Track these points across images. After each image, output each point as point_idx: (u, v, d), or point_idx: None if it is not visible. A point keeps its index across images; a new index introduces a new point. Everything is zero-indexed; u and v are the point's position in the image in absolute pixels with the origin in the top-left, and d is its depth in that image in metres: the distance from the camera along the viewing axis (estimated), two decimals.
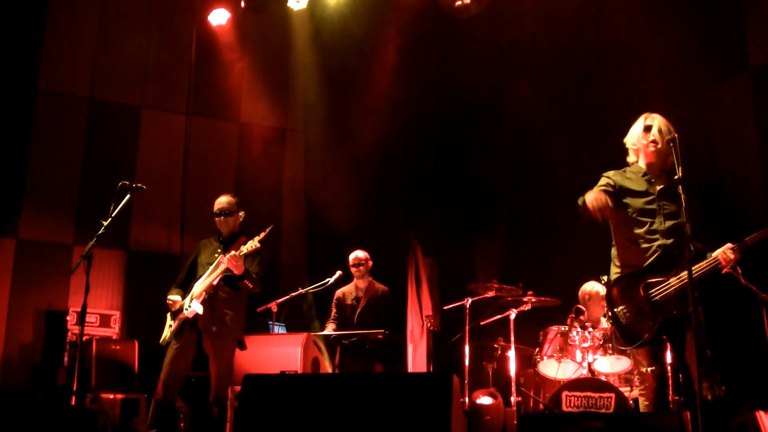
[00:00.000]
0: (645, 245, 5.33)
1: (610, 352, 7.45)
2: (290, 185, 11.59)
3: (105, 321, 9.68)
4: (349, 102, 11.20)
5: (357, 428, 3.91)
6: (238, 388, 7.34)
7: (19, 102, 10.42)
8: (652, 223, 5.37)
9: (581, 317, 8.05)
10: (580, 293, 8.18)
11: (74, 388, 7.15)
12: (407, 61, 10.78)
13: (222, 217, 7.06)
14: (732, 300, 7.36)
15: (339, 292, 8.67)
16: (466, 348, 8.22)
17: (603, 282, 7.64)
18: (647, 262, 5.30)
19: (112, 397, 8.56)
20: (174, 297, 6.91)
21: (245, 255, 6.64)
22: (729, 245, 5.19)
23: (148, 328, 8.33)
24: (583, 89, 9.51)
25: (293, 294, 8.42)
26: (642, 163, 5.57)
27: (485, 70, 10.36)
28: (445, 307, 8.57)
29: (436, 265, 9.24)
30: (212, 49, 11.34)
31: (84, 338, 7.76)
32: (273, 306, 8.34)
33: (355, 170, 10.81)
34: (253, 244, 6.59)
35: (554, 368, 7.66)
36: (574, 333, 7.65)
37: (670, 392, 7.26)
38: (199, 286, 6.80)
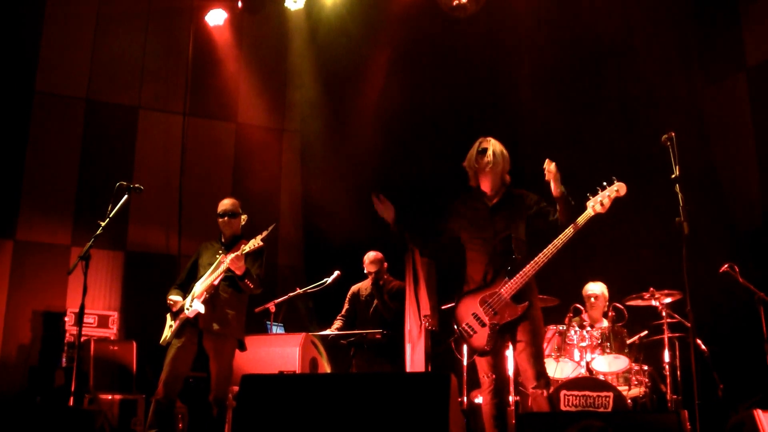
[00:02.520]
0: (482, 260, 5.73)
1: (608, 351, 7.45)
2: (287, 186, 11.59)
3: (103, 322, 9.68)
4: (346, 102, 11.19)
5: (355, 428, 3.91)
6: (236, 388, 7.35)
7: (16, 103, 10.43)
8: (486, 239, 5.74)
9: (579, 316, 8.05)
10: (582, 292, 8.19)
11: (72, 389, 7.14)
12: (404, 61, 10.77)
13: (225, 218, 7.07)
14: (730, 299, 7.39)
15: (354, 288, 8.76)
16: (464, 347, 8.21)
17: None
18: (483, 277, 5.72)
19: (110, 397, 8.56)
20: (175, 297, 6.91)
21: (247, 254, 6.65)
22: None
23: (146, 329, 8.33)
24: (582, 90, 9.51)
25: (291, 294, 8.42)
26: (479, 184, 5.88)
27: (483, 70, 10.36)
28: (443, 307, 8.55)
29: (434, 265, 9.21)
30: (209, 49, 11.35)
31: (82, 339, 7.75)
32: (271, 306, 8.34)
33: (353, 170, 10.80)
34: (255, 242, 6.61)
35: (552, 367, 7.65)
36: (572, 332, 7.66)
37: (668, 391, 7.28)
38: (200, 286, 6.80)
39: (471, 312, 5.69)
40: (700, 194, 7.21)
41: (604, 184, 5.52)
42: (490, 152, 5.77)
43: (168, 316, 6.99)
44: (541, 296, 8.05)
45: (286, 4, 10.84)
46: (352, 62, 11.11)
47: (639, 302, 7.73)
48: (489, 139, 5.88)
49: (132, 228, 10.67)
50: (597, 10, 9.40)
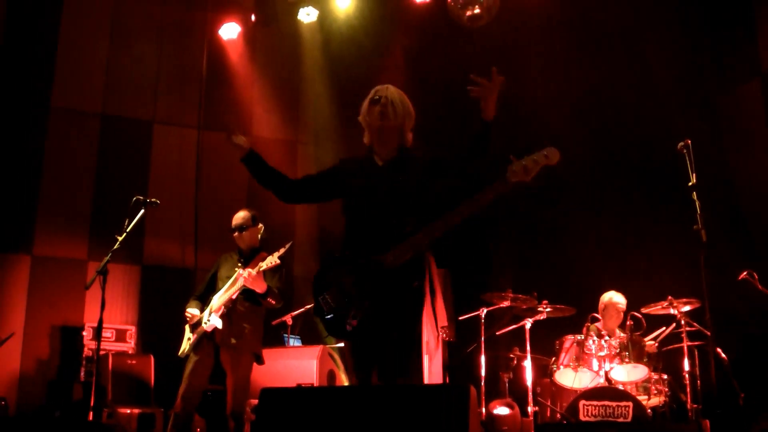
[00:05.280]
0: (363, 226, 4.78)
1: (626, 360, 7.42)
2: None
3: (121, 336, 9.70)
4: (359, 114, 11.19)
5: None
6: (254, 401, 7.36)
7: (32, 119, 10.49)
8: (371, 202, 4.78)
9: (597, 326, 8.03)
10: (601, 301, 8.18)
11: (91, 404, 7.16)
12: (417, 72, 10.77)
13: (237, 233, 7.09)
14: (749, 307, 7.35)
15: None
16: (482, 358, 8.21)
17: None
18: (360, 243, 4.73)
19: (128, 411, 8.56)
20: (192, 310, 6.93)
21: (264, 271, 6.62)
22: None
23: (164, 343, 8.34)
24: (595, 96, 9.49)
25: (308, 306, 8.41)
26: (370, 140, 5.00)
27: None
28: (460, 318, 8.56)
29: (450, 276, 9.21)
30: (223, 63, 11.38)
31: (100, 353, 7.77)
32: (288, 319, 8.36)
33: None
34: (272, 260, 6.57)
35: (571, 377, 7.63)
36: (590, 342, 7.63)
37: (688, 400, 7.24)
38: (218, 300, 6.81)
39: (336, 281, 4.68)
40: (716, 201, 7.17)
41: (533, 147, 4.66)
42: (385, 101, 4.86)
43: (186, 328, 7.00)
44: (557, 306, 8.09)
45: (299, 17, 10.90)
46: (364, 73, 11.12)
47: (657, 311, 7.71)
48: (387, 86, 4.97)
49: (148, 242, 10.68)
50: (608, 16, 9.40)
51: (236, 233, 7.09)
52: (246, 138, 5.16)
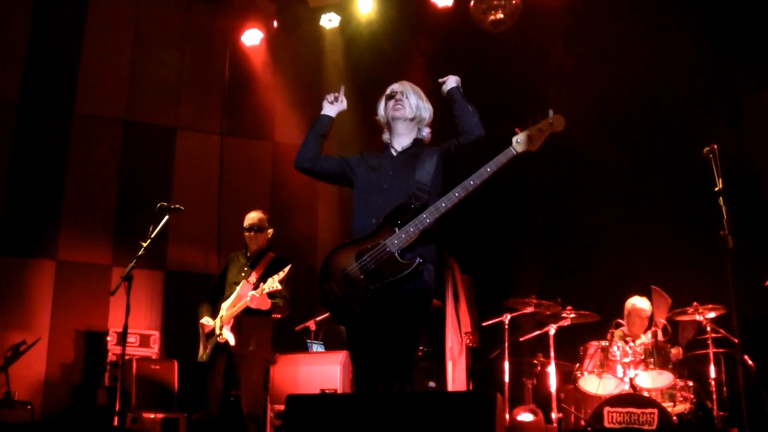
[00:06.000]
0: (369, 209, 4.80)
1: (651, 367, 7.37)
2: (325, 202, 11.59)
3: (144, 341, 9.73)
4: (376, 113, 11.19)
5: None
6: (278, 407, 7.39)
7: (56, 125, 10.55)
8: (380, 186, 4.83)
9: (622, 331, 7.98)
10: (626, 307, 8.13)
11: (116, 409, 7.21)
12: (438, 77, 10.74)
13: (252, 233, 7.29)
14: None
15: None
16: (506, 364, 8.18)
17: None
18: (367, 226, 4.75)
19: (152, 416, 8.59)
20: (206, 320, 7.15)
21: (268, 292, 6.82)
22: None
23: (187, 348, 8.36)
24: (619, 100, 9.45)
25: None
26: (391, 137, 5.08)
27: (518, 85, 10.32)
28: (483, 324, 8.53)
29: (473, 282, 9.19)
30: (246, 69, 11.40)
31: (125, 358, 7.82)
32: (311, 324, 8.36)
33: None
34: (273, 284, 6.75)
35: (595, 384, 7.59)
36: (615, 348, 7.59)
37: (714, 407, 7.18)
38: (227, 313, 7.02)
39: (342, 268, 4.64)
40: (743, 207, 7.12)
41: (538, 116, 4.68)
42: (399, 95, 5.01)
43: (201, 332, 7.24)
44: (582, 312, 8.05)
45: (321, 23, 10.91)
46: (386, 79, 11.09)
47: (683, 317, 7.66)
48: (402, 81, 5.13)
49: (171, 247, 10.71)
50: (631, 18, 9.36)
51: (251, 233, 7.29)
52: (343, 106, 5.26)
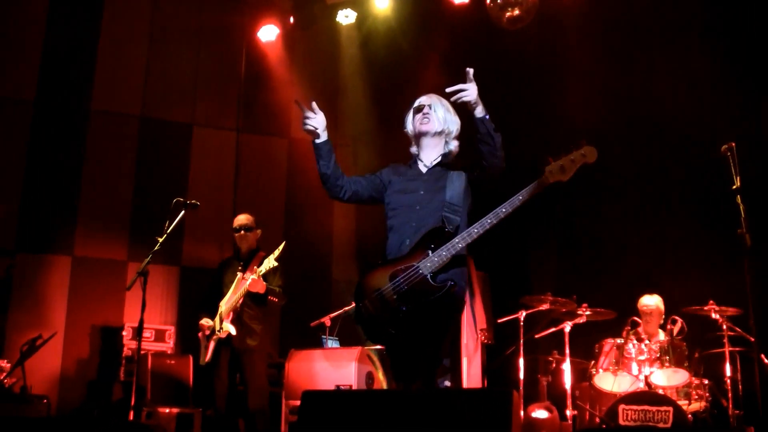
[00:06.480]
0: (403, 229, 4.86)
1: (666, 365, 7.35)
2: None
3: (160, 336, 9.76)
4: (398, 116, 11.18)
5: None
6: (294, 402, 7.42)
7: (73, 122, 10.61)
8: (411, 204, 4.88)
9: (637, 329, 7.96)
10: (638, 305, 8.11)
11: (131, 403, 7.28)
12: (454, 74, 10.73)
13: (242, 232, 7.56)
14: None
15: None
16: (521, 361, 8.17)
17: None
18: (401, 247, 4.81)
19: (167, 411, 8.61)
20: (205, 322, 7.37)
21: (265, 274, 7.00)
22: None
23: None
24: (636, 97, 9.41)
25: (346, 308, 8.43)
26: (419, 149, 5.07)
27: (534, 81, 10.30)
28: (499, 320, 8.52)
29: (487, 279, 9.17)
30: (262, 65, 11.42)
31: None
32: (326, 320, 8.38)
33: None
34: (269, 263, 6.91)
35: (610, 381, 7.57)
36: (630, 346, 7.57)
37: (730, 406, 7.16)
38: (226, 307, 7.23)
39: (376, 287, 4.72)
40: (761, 205, 7.08)
41: (570, 147, 4.63)
42: (427, 109, 4.99)
43: (201, 337, 7.45)
44: (598, 309, 8.03)
45: (337, 19, 10.93)
46: (403, 75, 11.12)
47: (699, 315, 7.63)
48: (431, 94, 5.09)
49: (187, 243, 10.76)
50: (648, 15, 9.32)
51: (242, 232, 7.56)
52: (322, 119, 5.08)
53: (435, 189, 4.86)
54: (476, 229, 4.58)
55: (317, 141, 5.04)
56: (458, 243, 4.59)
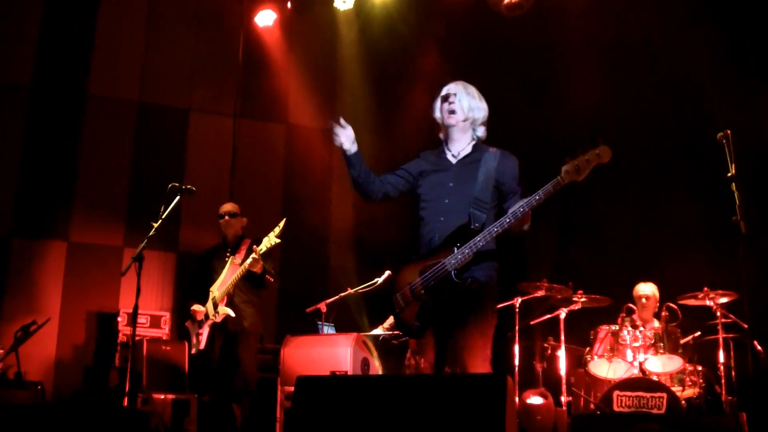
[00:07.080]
0: (433, 223, 4.97)
1: (661, 351, 7.39)
2: (338, 185, 11.57)
3: (155, 322, 9.76)
4: (396, 103, 11.18)
5: (410, 430, 3.89)
6: (289, 388, 7.42)
7: (69, 106, 10.58)
8: (440, 197, 4.98)
9: (632, 316, 7.98)
10: (633, 292, 8.13)
11: (126, 389, 7.25)
12: (453, 60, 10.72)
13: (227, 218, 7.57)
14: None
15: None
16: (516, 348, 8.19)
17: None
18: (430, 241, 4.93)
19: (163, 397, 8.62)
20: (196, 307, 7.41)
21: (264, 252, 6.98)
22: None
23: None
24: (635, 88, 9.41)
25: (342, 294, 8.44)
26: (446, 136, 5.15)
27: (533, 70, 10.29)
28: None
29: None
30: (259, 50, 11.39)
31: (135, 339, 7.88)
32: (322, 306, 8.37)
33: None
34: (270, 240, 6.89)
35: (605, 368, 7.60)
36: (625, 332, 7.60)
37: (723, 392, 7.18)
38: (219, 292, 7.23)
39: (408, 282, 4.87)
40: (756, 192, 7.08)
41: (587, 146, 4.65)
42: (453, 98, 5.05)
43: (189, 325, 7.51)
44: (593, 296, 8.04)
45: (335, 5, 10.88)
46: (401, 61, 11.11)
47: (693, 302, 7.65)
48: (457, 82, 5.16)
49: (184, 229, 10.75)
50: (648, 6, 9.31)
51: (227, 218, 7.57)
52: (351, 133, 5.08)
53: (464, 181, 4.96)
54: (496, 228, 4.68)
55: (348, 153, 5.09)
56: (479, 241, 4.69)
